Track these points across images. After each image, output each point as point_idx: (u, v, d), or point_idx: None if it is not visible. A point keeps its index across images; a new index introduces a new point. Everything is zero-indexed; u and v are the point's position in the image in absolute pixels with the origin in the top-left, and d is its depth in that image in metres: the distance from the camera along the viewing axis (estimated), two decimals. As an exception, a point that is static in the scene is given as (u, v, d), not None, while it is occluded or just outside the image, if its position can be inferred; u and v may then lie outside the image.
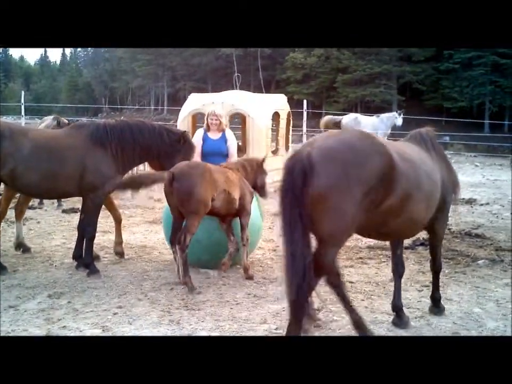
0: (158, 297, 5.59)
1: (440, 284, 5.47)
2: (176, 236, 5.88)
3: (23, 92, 19.88)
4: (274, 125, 12.94)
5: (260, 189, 6.77)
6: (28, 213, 9.89)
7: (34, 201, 10.43)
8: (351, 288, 5.96)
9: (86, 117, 43.73)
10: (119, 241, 7.08)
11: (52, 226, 8.92)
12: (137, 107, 56.86)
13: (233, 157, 7.51)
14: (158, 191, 12.16)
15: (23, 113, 19.25)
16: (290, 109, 13.22)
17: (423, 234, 8.62)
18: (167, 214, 6.76)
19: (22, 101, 19.47)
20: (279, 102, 12.79)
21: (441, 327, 4.96)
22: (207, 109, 8.24)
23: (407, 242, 8.09)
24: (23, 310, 5.15)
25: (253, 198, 6.61)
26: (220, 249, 6.39)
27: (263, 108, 11.98)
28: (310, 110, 28.60)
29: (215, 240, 6.49)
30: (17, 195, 7.13)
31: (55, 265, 6.66)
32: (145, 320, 4.93)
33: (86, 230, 6.35)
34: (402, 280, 6.25)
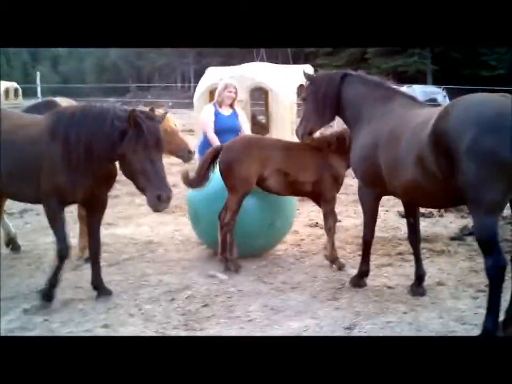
0: (153, 311, 4.60)
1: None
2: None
3: (38, 73, 19.23)
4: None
5: None
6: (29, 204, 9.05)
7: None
8: (391, 296, 4.88)
9: (114, 97, 42.98)
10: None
11: (51, 219, 8.00)
12: (164, 85, 56.33)
13: (247, 133, 6.79)
14: (173, 174, 11.32)
15: (39, 94, 18.64)
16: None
17: (471, 221, 7.50)
18: (192, 203, 6.14)
19: (38, 82, 18.86)
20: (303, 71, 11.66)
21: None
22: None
23: (453, 232, 7.00)
24: (-11, 330, 4.25)
25: (338, 184, 5.85)
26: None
27: (287, 81, 10.91)
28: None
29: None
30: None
31: (42, 269, 5.73)
32: (133, 347, 3.97)
33: (57, 248, 4.79)
34: (451, 283, 5.23)
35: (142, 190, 4.44)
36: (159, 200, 4.29)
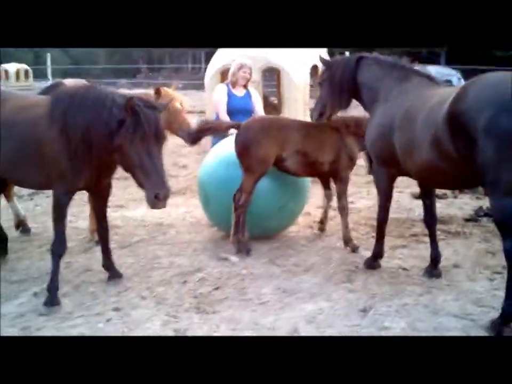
0: (166, 294, 4.55)
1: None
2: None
3: (48, 55, 19.10)
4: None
5: None
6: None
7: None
8: (406, 278, 4.80)
9: (125, 79, 42.86)
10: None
11: (62, 201, 7.94)
12: (175, 66, 56.15)
13: (261, 114, 6.70)
14: (184, 156, 11.26)
15: (49, 76, 18.57)
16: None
17: (486, 202, 7.37)
18: (203, 185, 5.98)
19: (48, 63, 18.77)
20: (318, 55, 11.46)
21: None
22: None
23: (467, 213, 6.89)
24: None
25: (353, 163, 5.80)
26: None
27: (300, 61, 10.72)
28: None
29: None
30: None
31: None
32: (144, 330, 3.89)
33: (53, 244, 4.46)
34: (467, 265, 5.14)
35: (140, 185, 4.14)
36: (156, 198, 4.01)
